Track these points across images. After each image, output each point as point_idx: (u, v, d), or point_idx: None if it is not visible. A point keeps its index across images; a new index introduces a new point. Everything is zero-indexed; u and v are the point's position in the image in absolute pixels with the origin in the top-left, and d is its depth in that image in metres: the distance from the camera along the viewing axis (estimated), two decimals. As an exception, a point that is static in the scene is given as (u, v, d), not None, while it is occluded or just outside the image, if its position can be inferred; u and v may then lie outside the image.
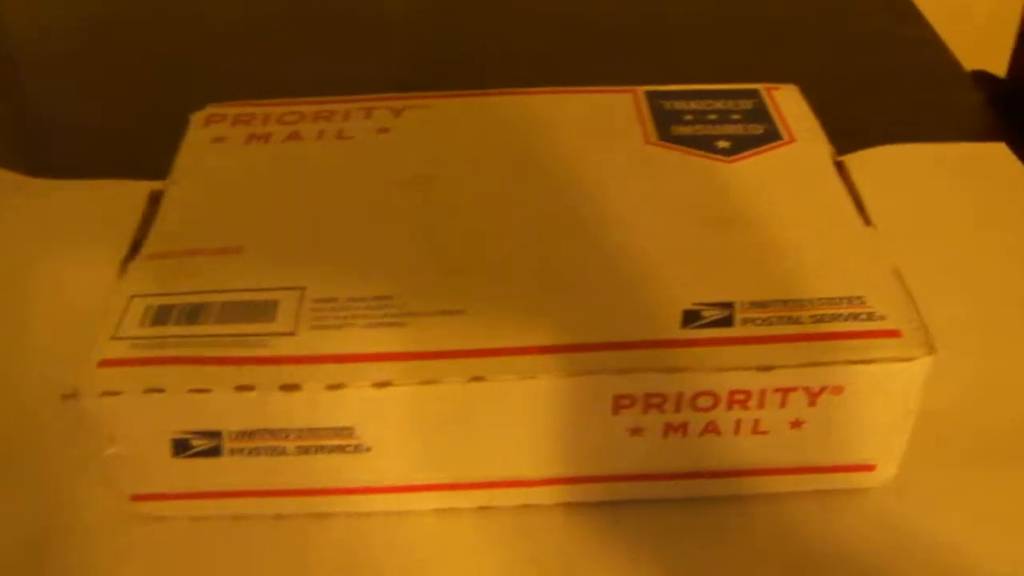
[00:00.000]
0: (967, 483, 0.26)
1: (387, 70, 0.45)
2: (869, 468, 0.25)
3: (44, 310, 0.32)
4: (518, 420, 0.24)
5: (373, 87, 0.34)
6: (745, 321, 0.24)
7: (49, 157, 0.40)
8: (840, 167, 0.29)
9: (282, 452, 0.24)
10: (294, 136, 0.31)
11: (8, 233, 0.35)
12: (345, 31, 0.48)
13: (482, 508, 0.26)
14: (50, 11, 0.51)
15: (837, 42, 0.46)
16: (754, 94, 0.32)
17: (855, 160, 0.37)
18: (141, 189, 0.29)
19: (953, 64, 0.44)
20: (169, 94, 0.43)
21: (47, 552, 0.25)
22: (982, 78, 0.49)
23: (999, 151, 0.37)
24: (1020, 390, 0.29)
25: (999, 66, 0.51)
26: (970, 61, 0.48)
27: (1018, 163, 0.37)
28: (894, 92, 0.42)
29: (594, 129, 0.31)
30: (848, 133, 0.38)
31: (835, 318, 0.24)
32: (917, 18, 0.47)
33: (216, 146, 0.31)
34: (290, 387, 0.23)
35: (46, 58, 0.47)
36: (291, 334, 0.24)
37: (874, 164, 0.37)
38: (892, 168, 0.36)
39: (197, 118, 0.32)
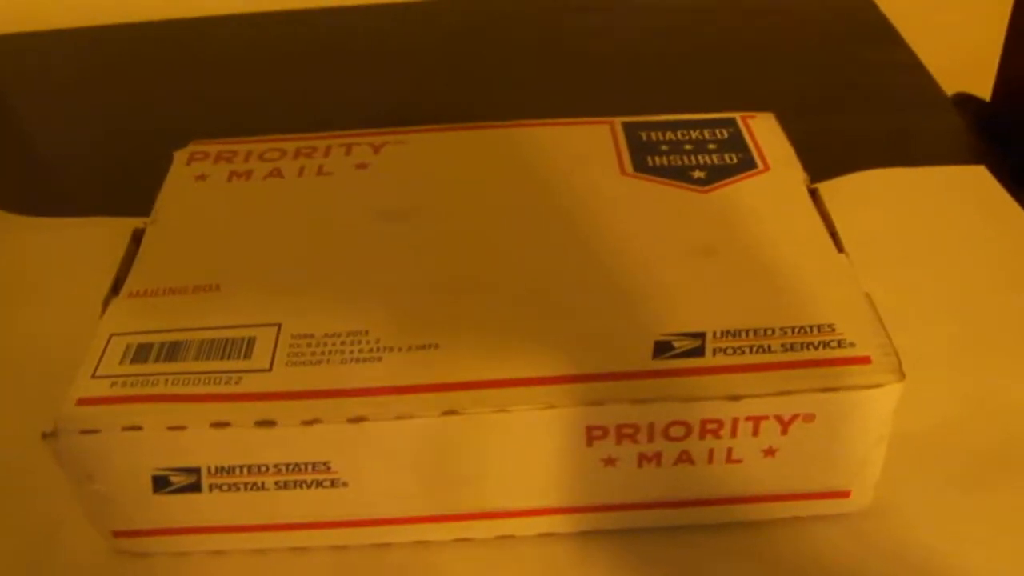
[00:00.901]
0: (947, 506, 0.26)
1: (368, 106, 0.45)
2: (844, 495, 0.26)
3: (27, 348, 0.32)
4: (492, 453, 0.24)
5: (355, 123, 0.35)
6: (716, 351, 0.24)
7: (38, 193, 0.41)
8: (814, 194, 0.29)
9: (261, 487, 0.25)
10: (275, 173, 0.31)
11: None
12: (328, 67, 0.49)
13: (460, 540, 0.26)
14: (39, 46, 0.51)
15: (816, 67, 0.46)
16: (731, 123, 0.33)
17: (834, 186, 0.37)
18: (126, 226, 0.30)
19: (933, 87, 0.44)
20: (159, 128, 0.44)
21: (30, 590, 0.26)
22: (966, 101, 0.50)
23: (979, 174, 0.37)
24: (999, 413, 0.29)
25: (984, 89, 0.52)
26: (955, 84, 0.49)
27: (998, 186, 0.37)
28: (874, 116, 0.42)
29: (571, 161, 0.31)
30: (828, 158, 0.38)
31: (805, 346, 0.24)
32: (898, 42, 0.47)
33: (198, 184, 0.31)
34: (265, 423, 0.23)
35: (36, 93, 0.48)
36: (267, 370, 0.24)
37: (853, 190, 0.37)
38: (871, 193, 0.37)
39: (180, 155, 0.32)
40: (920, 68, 0.45)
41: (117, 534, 0.26)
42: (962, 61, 0.53)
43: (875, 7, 0.50)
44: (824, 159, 0.38)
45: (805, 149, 0.31)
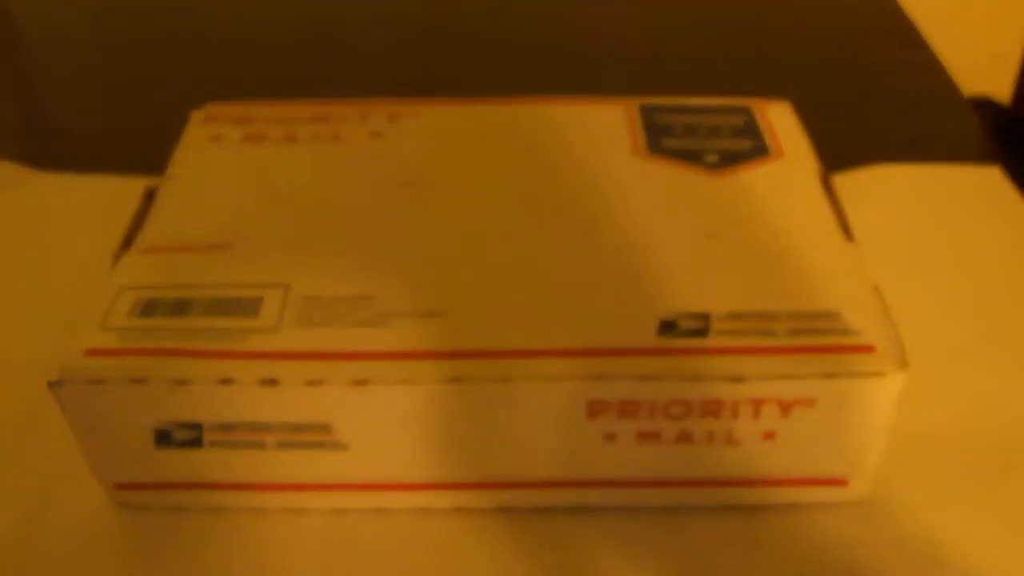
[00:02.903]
0: (948, 502, 0.26)
1: (387, 79, 0.45)
2: (842, 483, 0.26)
3: (39, 299, 0.32)
4: (494, 422, 0.24)
5: (374, 92, 0.35)
6: (720, 332, 0.24)
7: (59, 151, 0.41)
8: (827, 184, 0.29)
9: (261, 446, 0.25)
10: (290, 138, 0.31)
11: (9, 223, 0.36)
12: (347, 41, 0.49)
13: (458, 509, 0.26)
14: (61, 10, 0.51)
15: (836, 64, 0.46)
16: (746, 110, 0.33)
17: (847, 179, 0.37)
18: (141, 184, 0.30)
19: (952, 88, 0.44)
20: (177, 91, 0.44)
21: (32, 537, 0.26)
22: (985, 104, 0.49)
23: (993, 175, 0.37)
24: (1005, 413, 0.29)
25: (1004, 93, 0.52)
26: (975, 87, 0.49)
27: (1011, 188, 0.37)
28: (892, 114, 0.42)
29: (585, 139, 0.31)
30: (844, 153, 0.38)
31: (810, 332, 0.24)
32: (918, 42, 0.47)
33: (213, 144, 0.31)
34: (269, 382, 0.24)
35: (57, 55, 0.48)
36: (273, 330, 0.25)
37: (866, 183, 0.37)
38: (882, 188, 0.37)
39: (196, 116, 0.33)
40: (940, 69, 0.45)
41: (118, 486, 0.26)
42: (983, 64, 0.53)
43: (898, 7, 0.50)
44: (839, 154, 0.38)
45: (820, 144, 0.31)
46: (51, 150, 0.41)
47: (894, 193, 0.36)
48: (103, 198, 0.35)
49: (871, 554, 0.25)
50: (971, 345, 0.31)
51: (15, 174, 0.38)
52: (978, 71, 0.51)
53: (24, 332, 0.31)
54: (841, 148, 0.39)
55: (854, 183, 0.37)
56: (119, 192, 0.31)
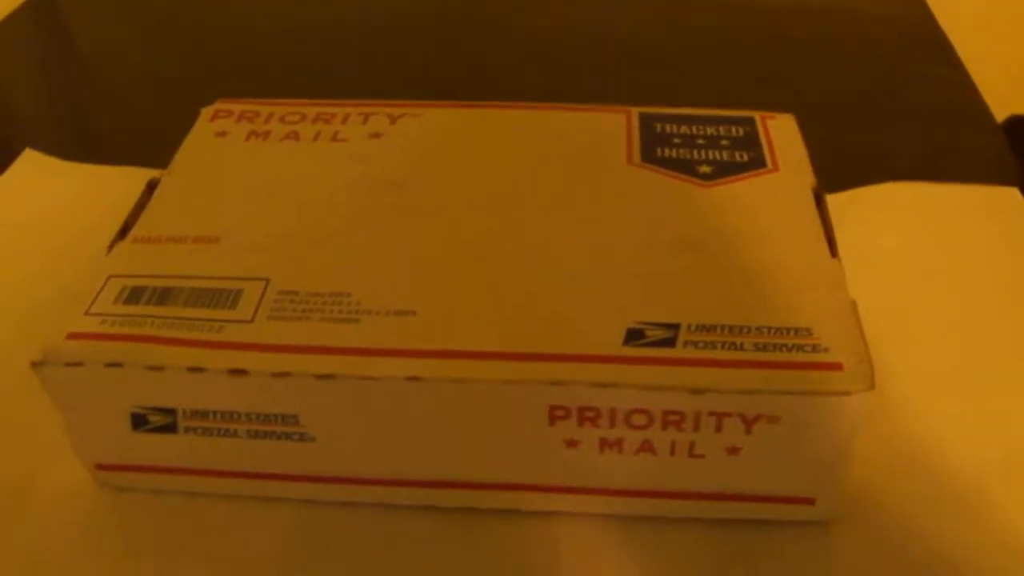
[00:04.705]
0: (926, 522, 0.26)
1: (395, 84, 0.46)
2: (808, 502, 0.25)
3: (39, 282, 0.34)
4: (455, 422, 0.24)
5: (380, 97, 0.35)
6: (687, 343, 0.24)
7: (92, 148, 0.42)
8: (819, 199, 0.29)
9: (233, 435, 0.25)
10: (292, 136, 0.32)
11: (28, 207, 0.37)
12: (354, 45, 0.49)
13: (424, 507, 0.26)
14: (103, 11, 0.53)
15: (864, 75, 0.45)
16: (748, 121, 0.32)
17: (857, 195, 0.37)
18: (147, 176, 0.31)
19: (980, 106, 0.43)
20: (198, 92, 0.45)
21: (14, 513, 0.27)
22: (1020, 124, 0.48)
23: (1009, 196, 0.36)
24: (991, 434, 0.28)
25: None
26: (1013, 107, 0.47)
27: (1027, 209, 0.36)
28: (914, 130, 0.41)
29: (580, 146, 0.31)
30: (861, 168, 0.38)
31: (777, 347, 0.24)
32: (950, 58, 0.46)
33: (217, 140, 0.32)
34: (238, 372, 0.24)
35: (97, 58, 0.50)
36: (248, 322, 0.25)
37: (876, 200, 0.36)
38: (894, 205, 0.36)
39: (205, 112, 0.33)
40: (969, 86, 0.44)
41: (99, 467, 0.27)
42: (1021, 84, 0.51)
43: (933, 21, 0.49)
44: (855, 170, 0.38)
45: (836, 158, 0.31)
46: (85, 147, 0.42)
47: (903, 210, 0.36)
48: (113, 189, 0.36)
49: (841, 573, 0.25)
50: (960, 366, 0.30)
51: (43, 162, 0.40)
52: (1017, 90, 0.50)
53: (20, 314, 0.33)
54: (857, 162, 0.39)
55: (861, 199, 0.36)
56: (129, 184, 0.32)
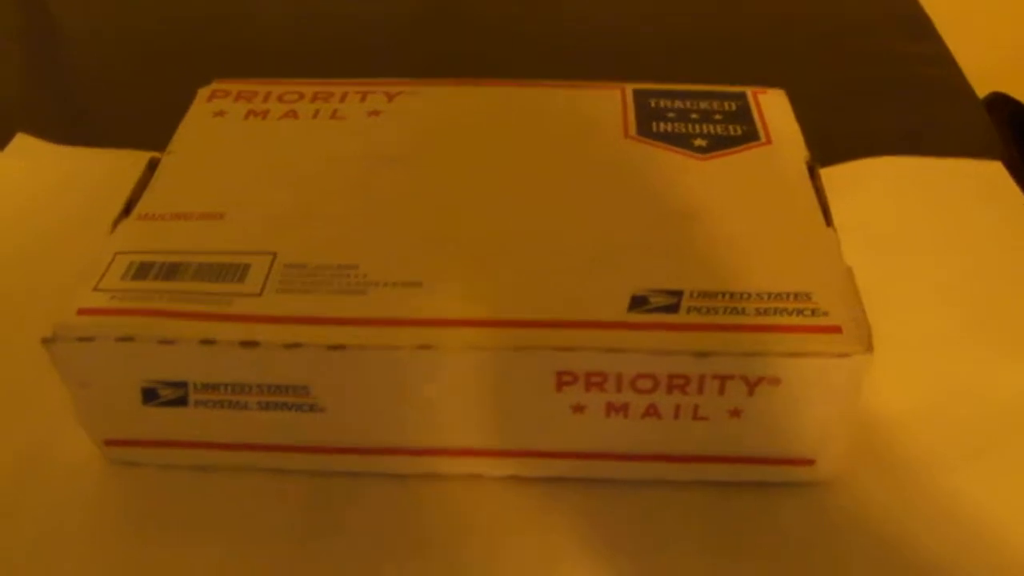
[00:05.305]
0: (914, 487, 0.27)
1: (387, 69, 0.46)
2: (808, 463, 0.26)
3: (44, 261, 0.34)
4: (465, 390, 0.25)
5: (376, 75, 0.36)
6: (690, 309, 0.25)
7: (78, 127, 0.42)
8: (813, 171, 0.30)
9: (244, 407, 0.26)
10: (290, 114, 0.32)
11: (23, 191, 0.37)
12: (349, 31, 0.50)
13: (430, 475, 0.27)
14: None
15: (844, 54, 0.46)
16: (740, 96, 0.33)
17: (843, 170, 0.37)
18: (145, 157, 0.31)
19: (962, 83, 0.44)
20: (191, 77, 0.45)
21: (23, 489, 0.27)
22: (1002, 101, 0.49)
23: (994, 169, 0.37)
24: (979, 401, 0.29)
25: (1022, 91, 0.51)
26: (993, 84, 0.48)
27: (1011, 183, 0.37)
28: (897, 107, 0.42)
29: (578, 121, 0.32)
30: (845, 144, 0.38)
31: (778, 311, 0.25)
32: (932, 36, 0.47)
33: (216, 120, 0.32)
34: (249, 343, 0.24)
35: (86, 44, 0.49)
36: (257, 295, 0.26)
37: (862, 174, 0.37)
38: (879, 179, 0.37)
39: (203, 92, 0.34)
40: (951, 63, 0.45)
41: (108, 442, 0.27)
42: (1002, 61, 0.52)
43: (914, 1, 0.50)
44: (840, 145, 0.39)
45: (822, 135, 0.31)
46: (77, 130, 0.42)
47: (889, 184, 0.36)
48: (112, 171, 0.36)
49: (837, 535, 0.26)
50: (952, 332, 0.31)
51: (35, 146, 0.40)
52: (998, 68, 0.51)
53: (27, 292, 0.33)
54: (843, 139, 0.40)
55: (851, 173, 0.37)
56: (127, 166, 0.33)
